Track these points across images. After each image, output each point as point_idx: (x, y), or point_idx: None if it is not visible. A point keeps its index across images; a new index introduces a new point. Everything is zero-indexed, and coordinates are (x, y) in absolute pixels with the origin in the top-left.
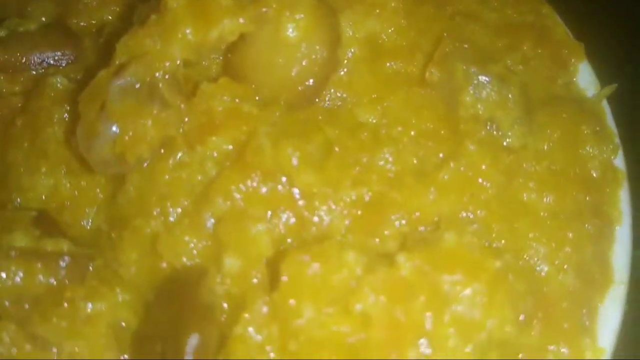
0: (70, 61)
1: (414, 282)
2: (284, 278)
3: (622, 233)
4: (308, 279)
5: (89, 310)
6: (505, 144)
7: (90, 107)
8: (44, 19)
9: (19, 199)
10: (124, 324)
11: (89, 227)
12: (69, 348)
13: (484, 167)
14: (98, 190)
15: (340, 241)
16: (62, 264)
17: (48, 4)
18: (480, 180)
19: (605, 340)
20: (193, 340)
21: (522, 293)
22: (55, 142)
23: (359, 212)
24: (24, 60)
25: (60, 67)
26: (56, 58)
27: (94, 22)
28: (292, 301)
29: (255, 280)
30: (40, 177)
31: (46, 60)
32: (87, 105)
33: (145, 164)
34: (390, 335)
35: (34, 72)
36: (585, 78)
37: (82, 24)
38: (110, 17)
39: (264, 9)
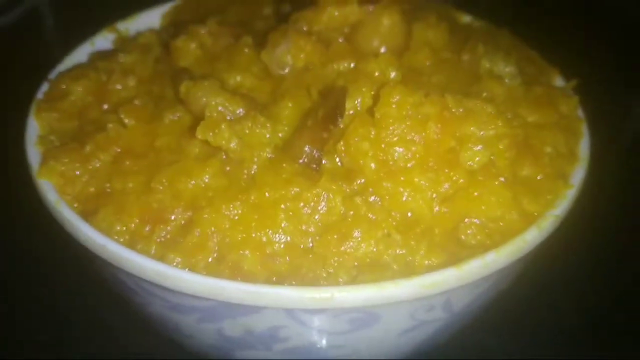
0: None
1: None
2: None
3: (584, 143)
4: None
5: (261, 120)
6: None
7: (276, 34)
8: None
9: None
10: (280, 135)
11: (259, 101)
12: None
13: (494, 88)
14: (267, 87)
15: None
16: (249, 102)
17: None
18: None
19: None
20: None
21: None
22: (246, 62)
23: None
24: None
25: None
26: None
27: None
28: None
29: None
30: (234, 74)
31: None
32: (275, 35)
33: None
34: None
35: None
36: (560, 84)
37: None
38: None
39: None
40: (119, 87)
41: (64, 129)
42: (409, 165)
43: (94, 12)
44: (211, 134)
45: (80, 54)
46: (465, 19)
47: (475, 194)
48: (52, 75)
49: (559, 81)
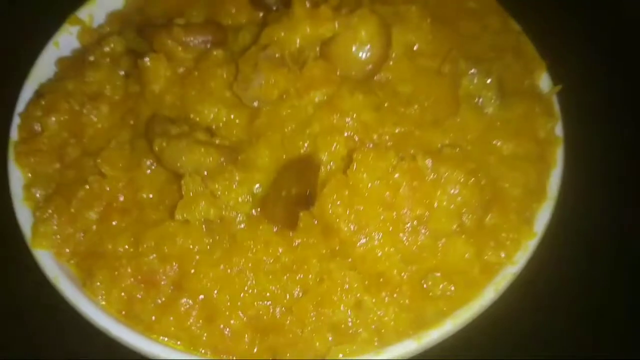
0: (221, 44)
1: None
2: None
3: (555, 174)
4: None
5: (237, 177)
6: (486, 111)
7: (247, 65)
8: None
9: (194, 118)
10: (257, 187)
11: (234, 139)
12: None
13: (471, 122)
14: (241, 119)
15: None
16: (224, 151)
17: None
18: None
19: (537, 228)
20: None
21: (485, 187)
22: (219, 87)
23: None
24: (193, 39)
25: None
26: (212, 40)
27: (230, 22)
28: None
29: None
30: (208, 106)
31: (206, 41)
32: (245, 64)
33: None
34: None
35: (201, 47)
36: (545, 83)
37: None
38: (243, 21)
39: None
40: (93, 117)
41: (45, 174)
42: (380, 229)
43: None
44: (185, 214)
45: (46, 60)
46: None
47: (440, 254)
48: (21, 104)
49: (544, 79)
